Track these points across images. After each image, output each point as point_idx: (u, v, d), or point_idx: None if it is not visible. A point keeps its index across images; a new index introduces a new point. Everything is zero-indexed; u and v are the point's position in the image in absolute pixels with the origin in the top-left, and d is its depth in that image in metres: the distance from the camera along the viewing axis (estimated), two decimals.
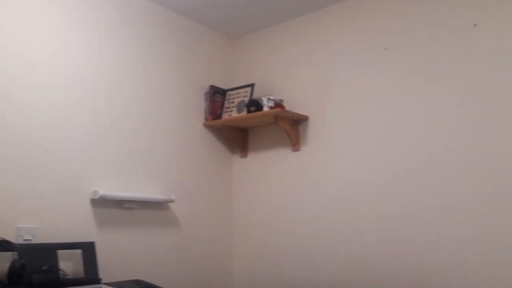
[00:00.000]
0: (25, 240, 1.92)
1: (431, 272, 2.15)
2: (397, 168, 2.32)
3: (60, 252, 1.98)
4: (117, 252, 2.31)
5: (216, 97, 2.95)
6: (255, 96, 2.88)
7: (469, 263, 2.05)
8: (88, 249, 2.07)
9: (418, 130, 2.28)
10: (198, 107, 2.90)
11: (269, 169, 2.84)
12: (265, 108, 2.65)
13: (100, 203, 2.27)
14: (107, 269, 2.22)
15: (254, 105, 2.69)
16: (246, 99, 2.82)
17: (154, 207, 2.53)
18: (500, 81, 2.08)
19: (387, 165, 2.35)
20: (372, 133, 2.43)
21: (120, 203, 2.36)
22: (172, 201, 2.55)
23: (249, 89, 2.86)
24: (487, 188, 2.04)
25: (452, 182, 2.14)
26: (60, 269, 1.89)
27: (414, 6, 2.39)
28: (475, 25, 2.18)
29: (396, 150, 2.33)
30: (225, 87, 3.07)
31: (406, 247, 2.24)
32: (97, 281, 1.98)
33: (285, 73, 2.87)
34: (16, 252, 1.78)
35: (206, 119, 2.92)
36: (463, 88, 2.17)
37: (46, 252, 1.90)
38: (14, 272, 1.71)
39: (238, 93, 2.91)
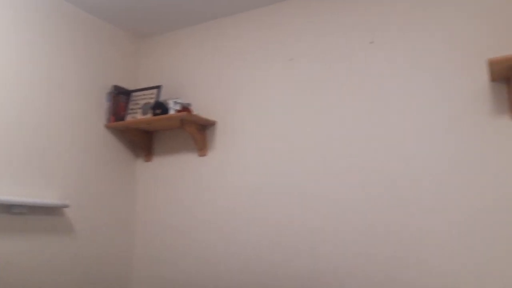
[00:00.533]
0: None
1: (333, 272, 2.25)
2: (303, 171, 2.41)
3: None
4: (4, 261, 2.09)
5: (120, 98, 2.83)
6: (161, 98, 2.82)
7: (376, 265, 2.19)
8: None
9: (321, 135, 2.39)
10: (100, 107, 2.76)
11: (175, 174, 2.79)
12: (171, 111, 2.60)
13: None
14: None
15: (160, 107, 2.63)
16: (152, 101, 2.75)
17: (47, 212, 2.34)
18: (392, 93, 2.26)
19: (293, 169, 2.43)
20: (279, 139, 2.50)
21: (7, 208, 2.15)
22: (66, 206, 2.38)
23: (155, 91, 2.79)
24: (381, 188, 2.21)
25: (353, 183, 2.28)
26: None
27: (318, 22, 2.51)
28: (371, 42, 2.36)
29: (301, 153, 2.42)
30: (130, 87, 2.96)
31: (313, 249, 2.32)
32: None
33: (193, 77, 2.85)
34: None
35: (108, 120, 2.78)
36: (360, 98, 2.33)
37: None
38: None
39: (144, 95, 2.82)
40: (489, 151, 2.01)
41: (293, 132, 2.46)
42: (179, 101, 2.62)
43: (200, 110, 2.76)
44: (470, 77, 2.11)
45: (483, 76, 2.08)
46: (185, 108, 2.64)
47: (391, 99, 2.26)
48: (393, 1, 2.34)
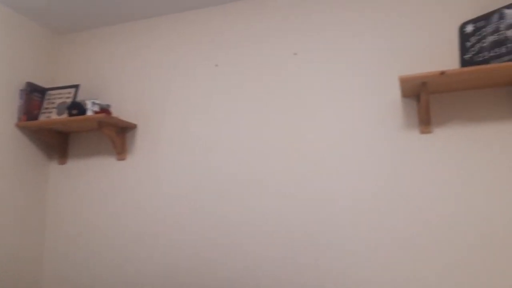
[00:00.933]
0: None
1: (267, 271, 2.24)
2: (224, 177, 2.38)
3: None
4: None
5: (34, 96, 2.65)
6: (79, 98, 2.68)
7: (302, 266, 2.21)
8: None
9: (243, 142, 2.38)
10: (12, 105, 2.56)
11: (91, 177, 2.65)
12: (89, 112, 2.47)
13: None
14: None
15: (77, 108, 2.49)
16: (69, 101, 2.60)
17: None
18: (311, 104, 2.30)
19: (213, 175, 2.40)
20: (201, 144, 2.46)
21: None
22: None
23: (72, 90, 2.64)
24: (301, 194, 2.24)
25: (271, 190, 2.29)
26: None
27: (244, 31, 2.51)
28: (295, 54, 2.39)
29: (223, 159, 2.40)
30: (46, 85, 2.79)
31: (241, 250, 2.30)
32: None
33: (114, 77, 2.74)
34: None
35: (19, 119, 2.59)
36: (282, 108, 2.35)
37: None
38: None
39: (60, 94, 2.66)
40: (400, 162, 2.11)
41: (215, 139, 2.44)
42: (97, 102, 2.50)
43: (120, 112, 2.66)
44: (384, 92, 2.20)
45: (396, 92, 2.18)
46: (104, 110, 2.53)
47: (311, 110, 2.30)
48: (315, 17, 2.39)
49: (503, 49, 1.95)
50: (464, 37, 2.10)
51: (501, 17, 1.99)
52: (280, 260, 2.20)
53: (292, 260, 2.18)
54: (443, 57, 2.14)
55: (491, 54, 1.98)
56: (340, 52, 2.31)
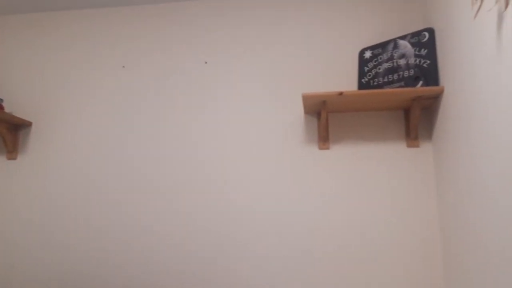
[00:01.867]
0: None
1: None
2: (120, 183, 2.30)
3: None
4: None
5: None
6: None
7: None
8: None
9: (145, 146, 2.32)
10: None
11: None
12: None
13: None
14: None
15: None
16: None
17: None
18: (221, 113, 2.32)
19: (109, 181, 2.30)
20: (100, 147, 2.35)
21: None
22: None
23: None
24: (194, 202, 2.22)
25: (171, 199, 2.25)
26: None
27: (152, 37, 2.47)
28: (205, 62, 2.40)
29: (120, 165, 2.32)
30: None
31: (136, 254, 2.21)
32: None
33: (9, 71, 2.53)
34: None
35: None
36: (191, 113, 2.33)
37: None
38: None
39: None
40: (300, 175, 2.19)
41: (115, 143, 2.35)
42: None
43: (14, 108, 2.46)
44: (289, 108, 2.28)
45: (300, 109, 2.27)
46: None
47: (217, 121, 2.31)
48: (227, 28, 2.42)
49: (395, 76, 2.12)
50: (363, 62, 2.25)
51: (395, 46, 2.16)
52: (183, 271, 2.17)
53: (193, 269, 2.16)
54: (345, 79, 2.27)
55: (385, 80, 2.15)
56: (249, 66, 2.36)
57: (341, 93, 2.00)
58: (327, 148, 2.20)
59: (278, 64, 2.34)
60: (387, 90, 2.01)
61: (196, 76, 2.38)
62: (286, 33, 2.37)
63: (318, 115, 2.24)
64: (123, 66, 2.45)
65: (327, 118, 2.14)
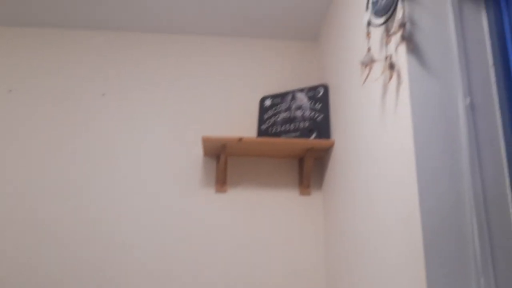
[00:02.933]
0: None
1: None
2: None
3: None
4: None
5: None
6: None
7: None
8: None
9: (39, 178, 2.13)
10: None
11: None
12: None
13: None
14: None
15: None
16: None
17: None
18: (119, 149, 2.22)
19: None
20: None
21: None
22: None
23: None
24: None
25: (58, 235, 2.06)
26: None
27: (45, 63, 2.33)
28: (103, 94, 2.30)
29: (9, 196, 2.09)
30: None
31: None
32: None
33: None
34: None
35: None
36: (86, 146, 2.20)
37: None
38: None
39: None
40: (195, 218, 2.15)
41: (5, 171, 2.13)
42: None
43: None
44: (188, 149, 2.26)
45: (199, 151, 2.26)
46: None
47: (114, 157, 2.22)
48: (126, 60, 2.37)
49: (291, 126, 2.23)
50: (263, 109, 2.34)
51: (293, 98, 2.28)
52: None
53: None
54: (245, 123, 2.33)
55: (282, 128, 2.24)
56: (151, 103, 2.32)
57: (240, 139, 2.04)
58: (224, 192, 2.21)
59: (180, 104, 2.33)
60: (283, 139, 2.10)
61: (92, 108, 2.27)
62: (191, 74, 2.39)
63: (217, 157, 2.25)
64: (10, 90, 2.25)
65: (225, 162, 2.17)
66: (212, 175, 2.24)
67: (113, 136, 2.24)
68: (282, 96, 2.32)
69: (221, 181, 2.19)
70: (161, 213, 2.15)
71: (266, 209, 2.20)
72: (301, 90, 2.28)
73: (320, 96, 2.21)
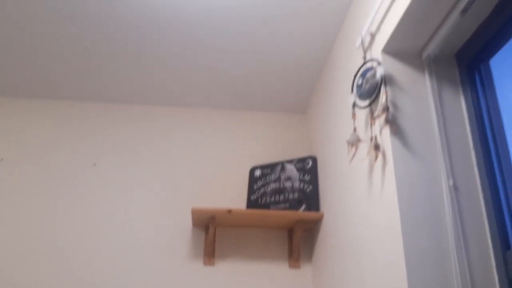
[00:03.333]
0: None
1: None
2: None
3: None
4: None
5: None
6: None
7: None
8: None
9: (20, 246, 2.08)
10: None
11: None
12: None
13: None
14: None
15: None
16: None
17: None
18: (108, 218, 2.20)
19: None
20: None
21: None
22: None
23: None
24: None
25: None
26: None
27: (35, 133, 2.36)
28: (94, 164, 2.32)
29: None
30: None
31: None
32: None
33: None
34: None
35: None
36: (77, 215, 2.18)
37: None
38: None
39: None
40: None
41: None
42: None
43: None
44: (177, 220, 2.25)
45: (188, 221, 2.25)
46: None
47: (102, 225, 2.19)
48: (114, 137, 2.42)
49: (281, 197, 2.25)
50: (253, 179, 2.36)
51: (283, 169, 2.32)
52: None
53: None
54: (235, 193, 2.34)
55: (272, 199, 2.26)
56: (140, 173, 2.33)
57: (230, 211, 2.05)
58: (212, 264, 2.17)
59: (170, 175, 2.35)
60: (272, 211, 2.11)
61: (83, 178, 2.28)
62: (181, 145, 2.43)
63: (206, 228, 2.24)
64: (1, 159, 2.26)
65: (214, 233, 2.15)
66: (201, 246, 2.21)
67: (103, 206, 2.23)
68: (271, 166, 2.35)
69: (210, 254, 2.16)
70: (148, 286, 2.09)
71: (255, 283, 2.16)
72: (291, 161, 2.32)
73: (309, 168, 2.25)
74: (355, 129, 1.52)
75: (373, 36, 1.49)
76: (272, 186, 2.29)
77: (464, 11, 1.21)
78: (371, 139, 1.40)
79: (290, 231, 2.26)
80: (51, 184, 2.25)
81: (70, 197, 2.23)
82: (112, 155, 2.35)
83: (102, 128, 2.41)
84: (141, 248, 2.17)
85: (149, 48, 2.08)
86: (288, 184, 2.27)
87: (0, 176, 2.24)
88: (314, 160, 2.26)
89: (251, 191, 2.33)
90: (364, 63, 1.49)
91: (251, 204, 2.29)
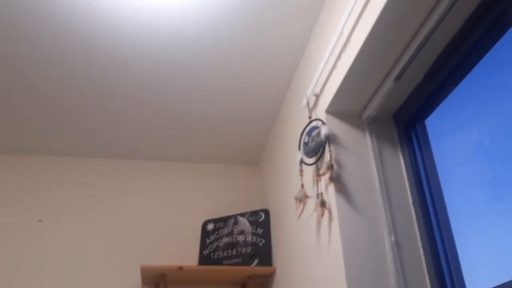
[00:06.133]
0: None
1: None
2: None
3: None
4: None
5: None
6: None
7: None
8: None
9: None
10: None
11: None
12: None
13: None
14: None
15: None
16: None
17: None
18: (58, 269, 2.09)
19: None
20: None
21: None
22: None
23: None
24: None
25: None
26: None
27: None
28: (39, 220, 2.23)
29: None
30: None
31: None
32: None
33: None
34: None
35: None
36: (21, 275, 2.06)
37: None
38: None
39: None
40: None
41: None
42: None
43: None
44: (126, 278, 2.17)
45: (138, 279, 2.18)
46: None
47: (50, 283, 2.08)
48: (61, 192, 2.36)
49: (234, 251, 2.23)
50: (205, 233, 2.33)
51: (235, 222, 2.31)
52: None
53: None
54: (186, 249, 2.30)
55: (224, 254, 2.23)
56: (87, 229, 2.26)
57: (181, 268, 2.00)
58: None
59: (119, 230, 2.29)
60: (224, 267, 2.08)
61: (29, 234, 2.18)
62: (130, 199, 2.39)
63: (156, 286, 2.17)
64: None
65: None
66: None
67: (49, 264, 2.13)
68: (224, 220, 2.34)
69: None
70: None
71: None
72: (243, 214, 2.33)
73: (261, 221, 2.26)
74: (302, 185, 1.56)
75: (317, 97, 1.57)
76: (225, 240, 2.28)
77: (398, 78, 1.31)
78: (317, 196, 1.44)
79: (243, 286, 2.22)
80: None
81: (15, 254, 2.12)
82: (59, 210, 2.28)
83: (48, 182, 2.34)
84: None
85: (95, 102, 2.08)
86: (241, 238, 2.26)
87: None
88: (267, 213, 2.27)
89: (203, 245, 2.30)
90: (310, 122, 1.56)
91: (203, 259, 2.25)
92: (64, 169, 2.39)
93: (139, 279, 2.17)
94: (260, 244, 2.20)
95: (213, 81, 1.98)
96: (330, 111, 1.49)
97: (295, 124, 1.84)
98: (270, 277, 2.13)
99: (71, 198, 2.32)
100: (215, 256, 2.24)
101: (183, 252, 2.28)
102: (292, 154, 1.85)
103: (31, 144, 2.34)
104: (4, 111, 2.10)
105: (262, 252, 2.17)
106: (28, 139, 2.30)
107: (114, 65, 1.86)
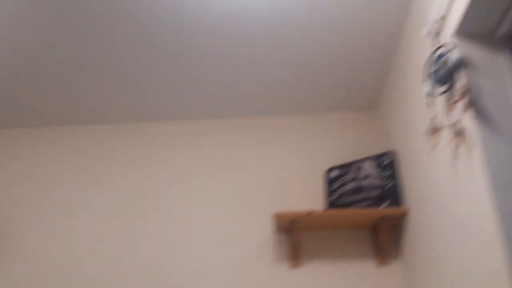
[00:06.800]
0: None
1: None
2: None
3: None
4: None
5: None
6: None
7: None
8: None
9: (121, 265, 2.24)
10: None
11: None
12: None
13: None
14: None
15: None
16: None
17: None
18: (190, 231, 2.30)
19: None
20: (67, 258, 2.25)
21: None
22: None
23: None
24: None
25: None
26: None
27: (122, 155, 2.53)
28: (176, 181, 2.44)
29: (93, 277, 2.20)
30: None
31: None
32: None
33: None
34: None
35: None
36: (161, 231, 2.31)
37: None
38: None
39: None
40: None
41: (88, 256, 2.26)
42: None
43: None
44: (259, 226, 2.29)
45: (268, 226, 2.29)
46: None
47: (185, 238, 2.29)
48: (196, 153, 2.52)
49: (361, 196, 2.22)
50: (329, 181, 2.35)
51: (359, 167, 2.29)
52: None
53: None
54: (312, 197, 2.34)
55: (350, 199, 2.24)
56: (219, 185, 2.41)
57: (309, 213, 2.06)
58: (299, 267, 2.19)
59: (247, 183, 2.40)
60: (352, 210, 2.09)
61: (166, 194, 2.41)
62: (257, 154, 2.48)
63: (287, 232, 2.26)
64: (97, 181, 2.46)
65: (298, 236, 2.17)
66: (285, 251, 2.23)
67: (184, 216, 2.34)
68: (347, 166, 2.33)
69: (295, 257, 2.18)
70: None
71: (344, 283, 2.14)
72: (367, 158, 2.29)
73: (387, 163, 2.21)
74: (432, 118, 1.48)
75: (443, 20, 1.45)
76: (350, 185, 2.27)
77: None
78: (452, 126, 1.35)
79: (374, 229, 2.22)
80: (138, 202, 2.39)
81: (155, 215, 2.36)
82: (194, 170, 2.46)
83: (184, 143, 2.53)
84: (225, 258, 2.23)
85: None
86: (366, 182, 2.23)
87: (95, 197, 2.42)
88: (393, 155, 2.21)
89: (328, 192, 2.33)
90: (436, 49, 1.45)
91: (329, 205, 2.28)
92: (197, 133, 2.57)
93: (270, 227, 2.28)
94: (388, 186, 2.15)
95: (323, 19, 1.93)
96: (459, 33, 1.37)
97: (416, 57, 1.73)
98: (402, 218, 2.09)
99: (207, 158, 2.49)
100: (341, 202, 2.25)
101: (308, 201, 2.34)
102: (415, 89, 1.76)
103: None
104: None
105: (392, 194, 2.12)
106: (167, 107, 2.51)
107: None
